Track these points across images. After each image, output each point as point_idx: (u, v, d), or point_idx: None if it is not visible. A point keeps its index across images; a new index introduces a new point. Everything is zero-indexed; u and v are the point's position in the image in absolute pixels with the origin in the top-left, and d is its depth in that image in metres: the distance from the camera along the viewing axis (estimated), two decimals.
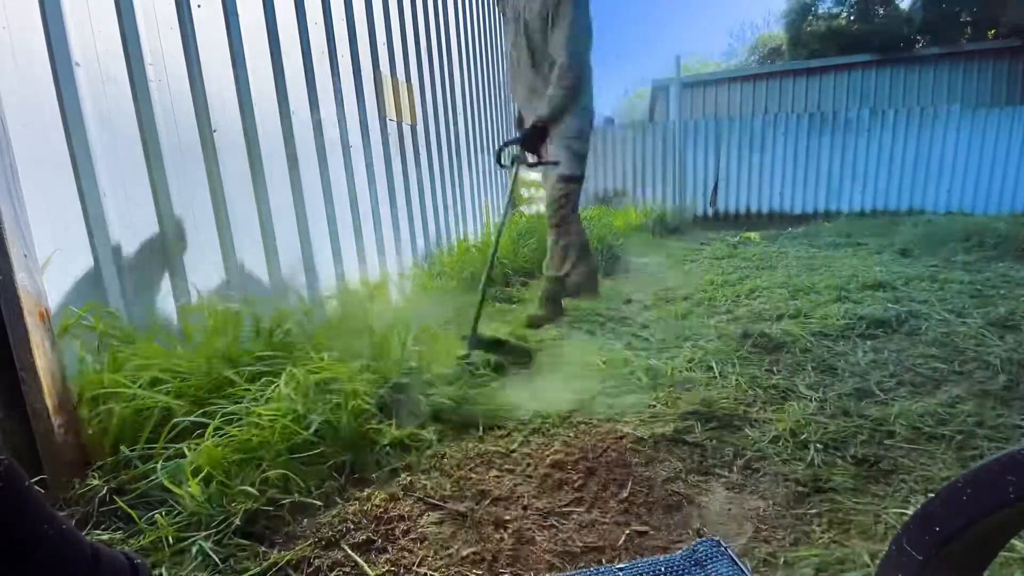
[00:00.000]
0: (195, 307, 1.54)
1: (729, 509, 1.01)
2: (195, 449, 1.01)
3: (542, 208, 6.91)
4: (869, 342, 1.91)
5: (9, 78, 1.23)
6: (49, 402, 1.05)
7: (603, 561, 0.89)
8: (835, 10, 11.26)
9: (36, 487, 0.60)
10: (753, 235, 5.76)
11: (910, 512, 0.78)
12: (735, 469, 1.15)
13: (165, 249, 1.66)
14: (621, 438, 1.28)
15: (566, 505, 1.03)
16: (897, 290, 2.62)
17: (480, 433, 1.30)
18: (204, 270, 1.79)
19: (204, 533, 0.90)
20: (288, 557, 0.87)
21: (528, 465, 1.17)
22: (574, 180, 2.51)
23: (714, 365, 1.72)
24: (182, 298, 1.70)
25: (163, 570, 0.85)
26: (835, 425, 1.29)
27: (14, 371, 1.02)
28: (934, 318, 2.10)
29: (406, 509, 1.01)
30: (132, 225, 1.54)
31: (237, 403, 1.15)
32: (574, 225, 2.55)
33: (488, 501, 1.04)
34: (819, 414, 1.36)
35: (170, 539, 0.89)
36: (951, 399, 1.41)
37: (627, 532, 0.96)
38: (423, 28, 3.66)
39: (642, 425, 1.33)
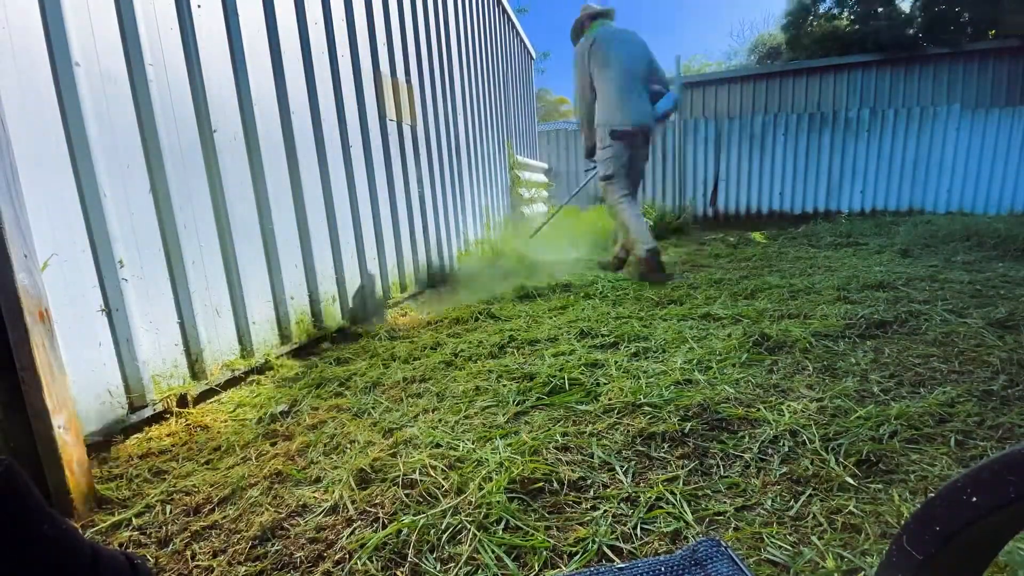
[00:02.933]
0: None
1: (730, 510, 1.01)
2: None
3: (540, 208, 6.97)
4: (869, 342, 1.91)
5: (9, 78, 1.23)
6: (49, 402, 1.05)
7: None
8: (835, 11, 11.26)
9: (36, 487, 0.60)
10: (757, 235, 5.76)
11: (910, 512, 0.78)
12: (735, 469, 1.15)
13: (165, 250, 1.66)
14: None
15: None
16: (897, 290, 2.62)
17: None
18: (206, 271, 1.79)
19: None
20: None
21: None
22: (606, 179, 3.65)
23: (714, 365, 1.72)
24: (184, 298, 1.70)
25: None
26: (835, 425, 1.28)
27: (14, 371, 1.02)
28: (934, 318, 2.10)
29: None
30: (132, 225, 1.55)
31: None
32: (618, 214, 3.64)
33: None
34: (819, 414, 1.36)
35: None
36: (951, 399, 1.40)
37: None
38: (423, 28, 3.66)
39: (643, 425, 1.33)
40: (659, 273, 3.31)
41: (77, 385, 1.33)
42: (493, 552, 0.92)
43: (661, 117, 3.63)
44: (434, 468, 1.18)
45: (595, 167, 3.84)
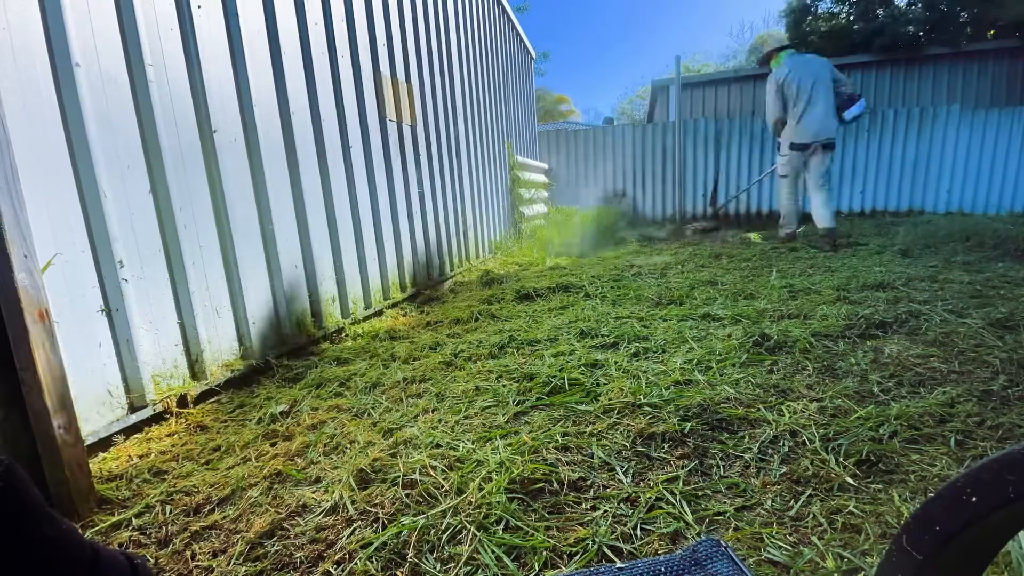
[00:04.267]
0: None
1: (730, 510, 1.01)
2: None
3: (540, 208, 7.03)
4: (869, 342, 1.91)
5: (9, 78, 1.23)
6: (49, 402, 1.05)
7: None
8: (835, 10, 11.25)
9: (36, 487, 0.60)
10: (755, 235, 5.75)
11: (910, 512, 0.78)
12: (735, 470, 1.15)
13: (165, 250, 1.66)
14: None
15: None
16: (897, 290, 2.62)
17: None
18: (206, 272, 1.79)
19: None
20: None
21: None
22: (782, 176, 5.01)
23: (714, 365, 1.72)
24: (184, 299, 1.70)
25: None
26: (835, 425, 1.29)
27: (14, 371, 1.02)
28: (934, 318, 2.10)
29: None
30: (132, 225, 1.55)
31: None
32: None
33: None
34: (819, 414, 1.36)
35: None
36: (951, 399, 1.40)
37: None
38: (423, 28, 3.67)
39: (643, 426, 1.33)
40: (790, 240, 4.97)
41: (77, 385, 1.33)
42: (493, 552, 0.92)
43: (849, 120, 4.64)
44: (434, 468, 1.18)
45: (774, 167, 5.32)
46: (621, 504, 1.04)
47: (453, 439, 1.32)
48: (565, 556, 0.91)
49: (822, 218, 4.67)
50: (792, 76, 4.58)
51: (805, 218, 5.31)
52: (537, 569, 0.88)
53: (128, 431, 1.48)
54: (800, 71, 4.56)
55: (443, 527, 0.99)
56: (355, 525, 1.02)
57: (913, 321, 2.09)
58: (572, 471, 1.15)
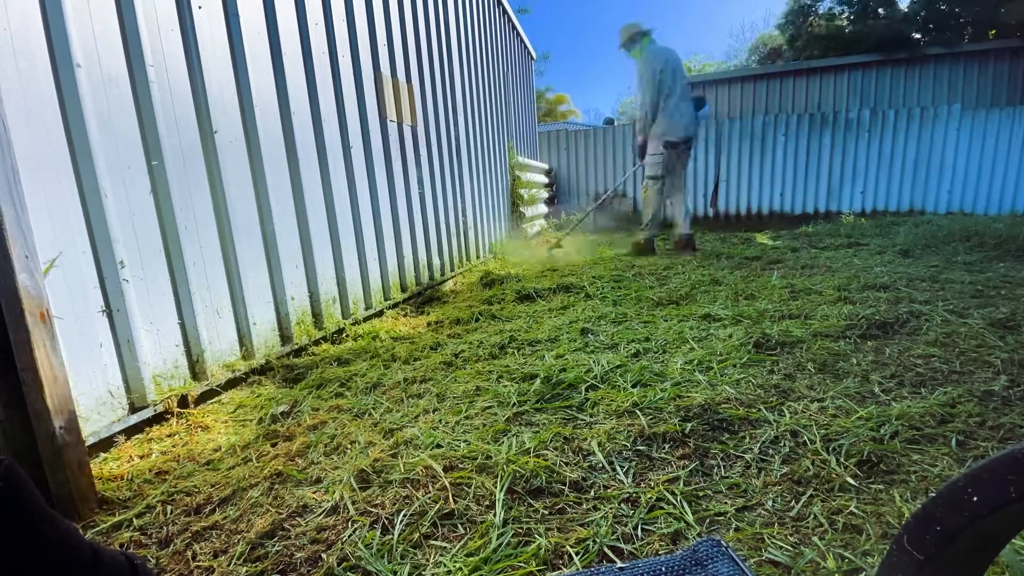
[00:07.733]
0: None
1: (731, 510, 1.01)
2: None
3: (541, 208, 7.04)
4: (870, 342, 1.91)
5: (10, 79, 1.23)
6: (50, 403, 1.05)
7: None
8: (835, 10, 11.25)
9: (36, 487, 0.60)
10: (760, 236, 5.75)
11: (911, 512, 0.78)
12: (736, 470, 1.15)
13: (166, 251, 1.66)
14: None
15: None
16: (898, 290, 2.62)
17: None
18: (207, 272, 1.79)
19: None
20: None
21: None
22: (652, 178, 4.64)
23: (715, 365, 1.72)
24: (184, 299, 1.70)
25: None
26: (836, 425, 1.28)
27: (15, 372, 1.02)
28: (935, 318, 2.10)
29: None
30: (133, 226, 1.55)
31: None
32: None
33: None
34: (820, 414, 1.36)
35: None
36: (952, 399, 1.40)
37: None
38: (423, 28, 3.67)
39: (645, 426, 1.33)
40: (650, 253, 4.68)
41: (78, 386, 1.33)
42: (494, 552, 0.92)
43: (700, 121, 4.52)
44: (435, 468, 1.18)
45: (641, 165, 4.83)
46: (622, 504, 1.04)
47: (454, 439, 1.32)
48: (566, 556, 0.91)
49: (685, 224, 4.63)
50: (670, 62, 4.21)
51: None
52: (537, 569, 0.88)
53: (129, 431, 1.48)
54: (671, 61, 4.24)
55: (444, 527, 0.98)
56: (356, 525, 1.02)
57: (914, 321, 2.09)
58: (572, 471, 1.15)
